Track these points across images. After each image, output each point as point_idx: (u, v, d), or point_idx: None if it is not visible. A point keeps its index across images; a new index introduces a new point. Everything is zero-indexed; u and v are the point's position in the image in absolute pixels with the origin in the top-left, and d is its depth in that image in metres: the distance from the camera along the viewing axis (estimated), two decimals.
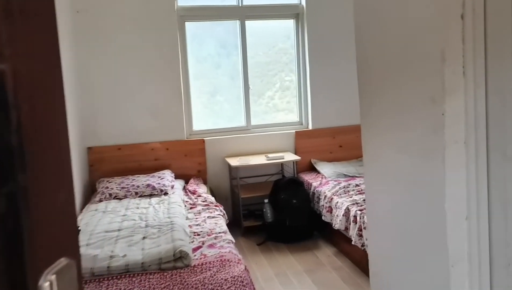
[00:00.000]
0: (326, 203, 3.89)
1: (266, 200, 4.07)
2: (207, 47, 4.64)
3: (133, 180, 4.01)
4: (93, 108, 4.23)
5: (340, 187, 3.93)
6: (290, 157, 4.39)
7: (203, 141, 4.50)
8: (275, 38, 4.81)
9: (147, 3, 4.24)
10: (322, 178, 4.39)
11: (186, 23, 4.49)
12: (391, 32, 1.35)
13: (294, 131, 4.74)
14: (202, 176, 4.49)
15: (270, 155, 4.30)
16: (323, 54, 4.70)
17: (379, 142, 1.47)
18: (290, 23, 4.80)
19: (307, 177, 4.48)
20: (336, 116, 4.80)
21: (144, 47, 4.27)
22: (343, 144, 4.84)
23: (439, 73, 1.15)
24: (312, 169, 4.66)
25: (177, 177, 4.31)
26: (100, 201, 3.74)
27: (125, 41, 4.23)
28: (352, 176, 4.32)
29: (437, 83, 1.16)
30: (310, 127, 4.79)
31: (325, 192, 3.97)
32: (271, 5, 4.66)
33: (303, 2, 4.68)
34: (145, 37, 4.27)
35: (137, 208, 3.50)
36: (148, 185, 3.88)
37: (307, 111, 4.82)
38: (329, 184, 4.11)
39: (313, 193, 4.20)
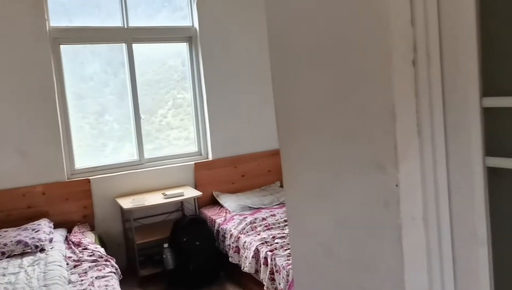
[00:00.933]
0: (232, 242, 3.57)
1: (166, 245, 3.61)
2: (92, 66, 4.07)
3: None
4: None
5: (246, 223, 3.64)
6: (190, 193, 3.99)
7: (89, 181, 3.90)
8: (165, 56, 4.41)
9: (12, 24, 3.57)
10: (226, 212, 4.07)
11: (62, 46, 3.88)
12: (315, 76, 1.08)
13: (193, 163, 4.36)
14: (88, 221, 3.88)
15: (168, 193, 3.86)
16: (219, 81, 4.42)
17: (309, 210, 1.18)
18: (182, 46, 4.44)
19: (210, 213, 4.12)
20: (236, 144, 4.54)
21: (9, 74, 3.58)
22: (245, 173, 4.59)
23: (389, 134, 0.90)
24: (215, 202, 4.32)
25: (57, 225, 3.65)
26: None
27: None
28: (257, 208, 4.08)
29: (387, 145, 0.90)
30: (210, 158, 4.45)
31: (230, 230, 3.65)
32: (161, 28, 4.27)
33: (196, 25, 4.36)
34: (9, 63, 3.58)
35: (3, 275, 2.81)
36: (18, 242, 3.18)
37: (206, 140, 4.48)
38: (234, 220, 3.80)
39: (218, 231, 3.85)
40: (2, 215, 3.58)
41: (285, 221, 3.64)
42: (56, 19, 3.83)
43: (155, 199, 3.84)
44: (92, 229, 3.84)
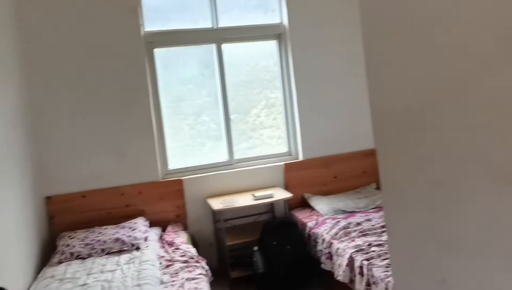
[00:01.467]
0: (324, 248, 3.37)
1: (255, 248, 3.53)
2: (190, 68, 4.17)
3: (99, 233, 3.44)
4: (51, 151, 3.68)
5: (339, 228, 3.42)
6: (280, 194, 3.87)
7: (181, 181, 3.97)
8: (257, 56, 4.35)
9: (109, 31, 3.74)
10: (317, 216, 3.88)
11: (155, 50, 4.00)
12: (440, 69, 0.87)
13: (283, 163, 4.23)
14: (181, 221, 3.95)
15: (257, 194, 3.78)
16: (310, 78, 4.25)
17: (416, 230, 0.97)
18: (272, 45, 4.34)
19: (301, 216, 3.96)
20: (328, 144, 4.32)
21: (107, 79, 3.76)
22: (338, 174, 4.35)
23: None
24: (305, 205, 4.14)
25: (152, 224, 3.76)
26: (60, 262, 3.17)
27: (85, 73, 3.72)
28: (351, 212, 3.83)
29: None
30: (301, 158, 4.29)
31: (322, 235, 3.45)
32: (250, 26, 4.20)
33: (285, 21, 4.23)
34: (107, 68, 3.76)
35: (102, 272, 2.93)
36: (116, 240, 3.32)
37: (295, 140, 4.33)
38: (327, 224, 3.60)
39: (309, 235, 3.67)
40: (104, 213, 3.77)
41: (382, 227, 3.35)
42: (150, 24, 3.95)
43: (244, 200, 3.78)
44: (185, 228, 3.89)
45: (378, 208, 3.89)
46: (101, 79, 3.75)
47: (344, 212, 3.87)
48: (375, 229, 3.36)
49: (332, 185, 4.33)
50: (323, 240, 3.41)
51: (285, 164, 4.22)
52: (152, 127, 3.89)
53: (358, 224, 3.49)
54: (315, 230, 3.58)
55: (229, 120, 4.19)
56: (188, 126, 4.19)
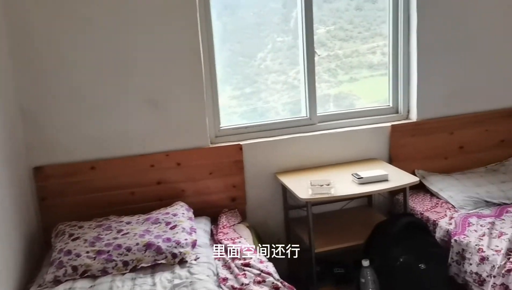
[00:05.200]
0: (492, 274, 2.04)
1: (366, 262, 2.21)
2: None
3: (119, 231, 2.14)
4: (43, 95, 2.31)
5: (510, 239, 2.08)
6: (396, 175, 2.50)
7: (240, 147, 2.61)
8: None
9: None
10: (447, 208, 2.54)
11: None
12: None
13: (388, 124, 2.84)
14: (239, 206, 2.63)
15: (362, 174, 2.42)
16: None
17: None
18: None
19: (420, 207, 2.62)
20: (454, 99, 2.90)
21: (148, 18, 2.35)
22: (465, 143, 2.96)
23: None
24: (418, 187, 2.76)
25: (197, 212, 2.45)
26: (56, 282, 1.90)
27: None
28: (498, 204, 2.48)
29: None
30: (414, 118, 2.88)
31: (480, 248, 2.12)
32: None
33: None
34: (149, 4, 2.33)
35: None
36: (148, 247, 2.01)
37: (408, 91, 2.90)
38: (472, 226, 2.27)
39: (445, 242, 2.35)
40: (125, 193, 2.46)
41: None
42: None
43: (343, 184, 2.42)
44: (243, 218, 2.59)
45: None
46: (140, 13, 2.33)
47: (488, 204, 2.52)
48: None
49: (456, 159, 2.95)
50: (484, 258, 2.08)
51: (392, 126, 2.83)
52: (201, 70, 2.48)
53: None
54: (461, 238, 2.23)
55: (311, 57, 2.75)
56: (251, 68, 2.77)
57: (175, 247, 2.02)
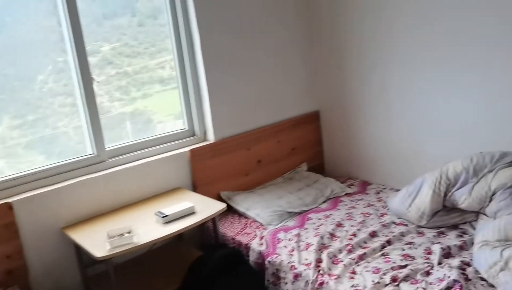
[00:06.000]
0: (301, 287, 2.04)
1: None
2: None
3: None
4: None
5: (314, 249, 2.13)
6: (202, 204, 2.33)
7: (10, 206, 2.05)
8: None
9: None
10: (256, 227, 2.51)
11: None
12: None
13: (187, 149, 2.66)
14: (19, 281, 2.07)
15: (167, 211, 2.17)
16: (218, 23, 2.71)
17: None
18: None
19: (231, 231, 2.51)
20: (246, 115, 2.91)
21: None
22: (262, 157, 3.00)
23: None
24: (228, 209, 2.66)
25: None
26: None
27: None
28: (299, 213, 2.58)
29: None
30: (212, 139, 2.78)
31: (292, 265, 2.10)
32: None
33: None
34: None
35: None
36: None
37: (202, 113, 2.78)
38: (282, 242, 2.27)
39: (261, 265, 2.28)
40: None
41: (374, 232, 2.20)
42: None
43: (145, 225, 2.12)
44: None
45: (331, 200, 2.73)
46: None
47: (291, 214, 2.59)
48: (368, 238, 2.18)
49: (256, 173, 2.97)
50: (297, 275, 2.07)
51: (191, 150, 2.66)
52: None
53: (332, 235, 2.27)
54: (273, 258, 2.20)
55: (89, 83, 2.36)
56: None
57: None
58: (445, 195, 2.19)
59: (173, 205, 2.25)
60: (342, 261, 2.01)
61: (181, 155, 2.63)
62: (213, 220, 2.34)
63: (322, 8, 3.01)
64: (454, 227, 2.20)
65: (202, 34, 2.61)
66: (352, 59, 2.92)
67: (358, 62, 2.89)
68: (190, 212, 2.20)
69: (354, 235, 2.24)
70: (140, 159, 2.51)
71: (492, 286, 1.68)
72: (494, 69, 2.27)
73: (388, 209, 2.49)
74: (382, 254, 2.04)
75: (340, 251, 2.10)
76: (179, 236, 2.62)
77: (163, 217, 2.13)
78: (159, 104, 2.84)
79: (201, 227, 2.63)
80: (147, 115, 2.75)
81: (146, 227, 2.10)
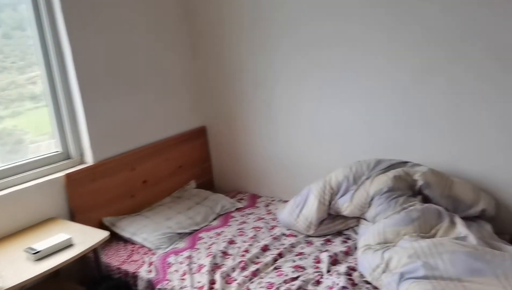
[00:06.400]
0: None
1: None
2: None
3: None
4: None
5: (206, 271, 2.05)
6: (84, 234, 2.11)
7: None
8: None
9: None
10: (143, 253, 2.35)
11: None
12: None
13: (62, 174, 2.40)
14: None
15: (38, 246, 1.91)
16: (93, 29, 2.52)
17: None
18: None
19: (116, 261, 2.32)
20: (130, 133, 2.75)
21: None
22: (147, 177, 2.85)
23: None
24: (112, 236, 2.47)
25: None
26: None
27: None
28: (189, 233, 2.50)
29: None
30: (90, 161, 2.55)
31: (182, 289, 2.01)
32: None
33: None
34: None
35: None
36: None
37: (76, 131, 2.54)
38: (173, 267, 2.16)
39: None
40: None
41: (266, 246, 2.20)
42: None
43: (14, 264, 1.85)
44: None
45: (222, 217, 2.70)
46: None
47: (181, 235, 2.49)
48: (260, 254, 2.17)
49: (142, 194, 2.80)
50: None
51: (66, 175, 2.40)
52: None
53: (224, 253, 2.22)
54: (163, 285, 2.07)
55: None
56: None
57: None
58: (330, 203, 2.28)
59: (46, 239, 2.00)
60: (236, 280, 1.97)
61: (55, 181, 2.36)
62: (94, 250, 2.13)
63: (202, 26, 2.99)
64: (339, 233, 2.31)
65: (74, 46, 2.40)
66: (234, 74, 2.93)
67: (241, 77, 2.91)
68: (67, 245, 1.98)
69: (247, 251, 2.23)
70: (6, 188, 2.20)
71: (376, 288, 1.77)
72: (364, 81, 2.45)
73: (278, 221, 2.53)
74: (275, 268, 2.05)
75: (233, 269, 2.06)
76: (55, 272, 2.34)
77: (34, 253, 1.88)
78: (31, 123, 2.55)
79: (81, 259, 2.38)
80: (17, 136, 2.43)
81: (16, 266, 1.83)
